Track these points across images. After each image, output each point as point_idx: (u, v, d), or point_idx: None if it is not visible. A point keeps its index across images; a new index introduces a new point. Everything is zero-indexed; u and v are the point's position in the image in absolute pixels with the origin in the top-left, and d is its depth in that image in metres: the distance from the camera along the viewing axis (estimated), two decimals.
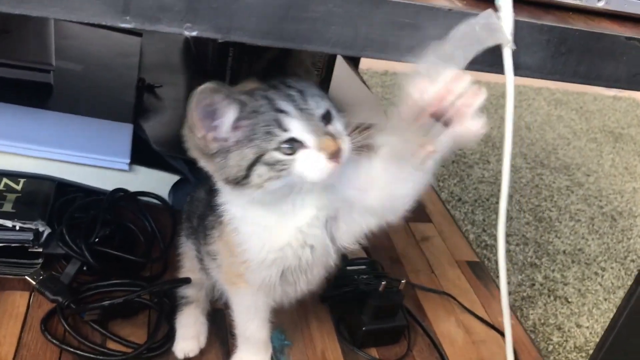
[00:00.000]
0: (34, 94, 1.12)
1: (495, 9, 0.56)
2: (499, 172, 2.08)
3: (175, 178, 1.11)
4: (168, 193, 1.12)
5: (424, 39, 0.56)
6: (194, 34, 0.52)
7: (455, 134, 0.61)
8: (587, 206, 2.02)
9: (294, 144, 0.67)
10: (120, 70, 1.28)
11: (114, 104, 1.16)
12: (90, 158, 1.04)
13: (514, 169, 2.15)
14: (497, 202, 1.91)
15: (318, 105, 0.69)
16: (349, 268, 1.04)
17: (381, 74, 2.66)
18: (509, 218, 1.86)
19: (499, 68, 0.58)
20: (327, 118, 0.70)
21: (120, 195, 1.07)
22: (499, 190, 2.03)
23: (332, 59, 1.42)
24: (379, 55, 0.56)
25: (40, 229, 0.95)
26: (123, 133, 1.09)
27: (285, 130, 0.67)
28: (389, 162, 0.69)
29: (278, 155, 0.67)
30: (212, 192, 0.80)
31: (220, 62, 1.35)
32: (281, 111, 0.68)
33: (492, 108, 2.58)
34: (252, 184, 0.68)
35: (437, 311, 1.10)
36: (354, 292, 0.99)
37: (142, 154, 1.10)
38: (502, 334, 1.08)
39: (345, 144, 0.68)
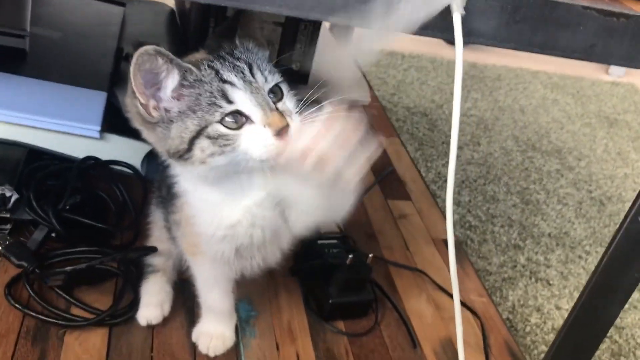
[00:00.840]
0: (7, 59, 1.11)
1: None
2: (489, 154, 2.08)
3: (148, 147, 1.10)
4: (141, 162, 1.11)
5: (375, 1, 0.55)
6: None
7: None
8: (576, 190, 2.01)
9: (238, 118, 0.65)
10: (99, 39, 1.26)
11: (89, 72, 1.15)
12: (61, 124, 1.03)
13: (505, 151, 2.13)
14: (485, 184, 1.91)
15: (267, 80, 0.68)
16: (319, 242, 1.03)
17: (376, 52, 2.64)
18: (496, 200, 1.85)
19: (448, 34, 0.57)
20: (276, 94, 0.68)
21: (92, 163, 1.06)
22: (487, 173, 2.02)
23: (315, 30, 1.40)
24: (327, 18, 0.55)
25: (8, 194, 0.95)
26: (96, 101, 1.09)
27: (230, 102, 0.65)
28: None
29: (221, 129, 0.64)
30: None
31: (201, 33, 1.34)
32: (227, 82, 0.65)
33: (487, 90, 2.56)
34: (194, 158, 0.66)
35: (408, 287, 1.09)
36: (323, 266, 0.99)
37: (116, 122, 1.09)
38: (473, 312, 1.08)
39: (294, 122, 0.66)
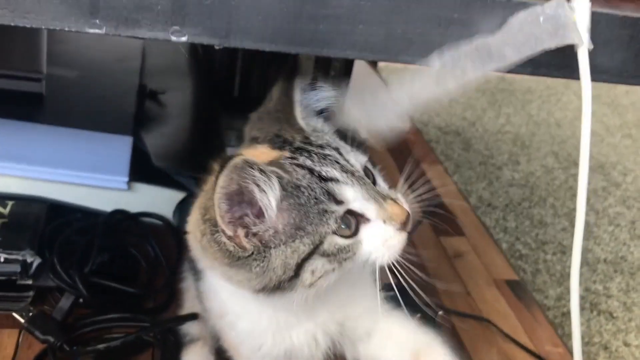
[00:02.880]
0: (23, 106, 1.02)
1: None
2: (530, 173, 1.96)
3: (180, 195, 1.00)
4: (173, 212, 1.01)
5: (474, 37, 0.44)
6: (184, 39, 0.40)
7: None
8: (626, 209, 1.89)
9: (350, 221, 0.52)
10: (119, 76, 1.17)
11: (111, 114, 1.06)
12: (85, 177, 0.94)
13: (546, 169, 2.01)
14: (530, 207, 1.79)
15: (360, 162, 0.56)
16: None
17: (401, 69, 2.54)
18: (544, 224, 1.73)
19: (569, 72, 0.46)
20: (368, 175, 0.56)
21: (119, 217, 0.96)
22: (531, 194, 1.89)
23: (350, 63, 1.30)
24: (420, 61, 0.44)
25: (29, 260, 0.85)
26: (121, 147, 0.99)
27: (339, 202, 0.52)
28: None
29: (340, 241, 0.51)
30: None
31: (229, 65, 1.25)
32: (329, 179, 0.52)
33: (519, 104, 2.45)
34: (301, 284, 0.52)
35: (476, 341, 0.98)
36: None
37: (143, 169, 0.99)
38: None
39: (407, 204, 0.55)
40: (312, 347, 0.62)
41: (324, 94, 0.59)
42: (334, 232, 0.51)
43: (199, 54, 1.39)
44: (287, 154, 0.54)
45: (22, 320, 0.84)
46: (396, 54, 0.43)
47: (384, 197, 0.53)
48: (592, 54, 0.45)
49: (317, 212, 0.50)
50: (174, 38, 0.40)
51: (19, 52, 1.05)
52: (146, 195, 0.98)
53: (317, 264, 0.51)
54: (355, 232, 0.52)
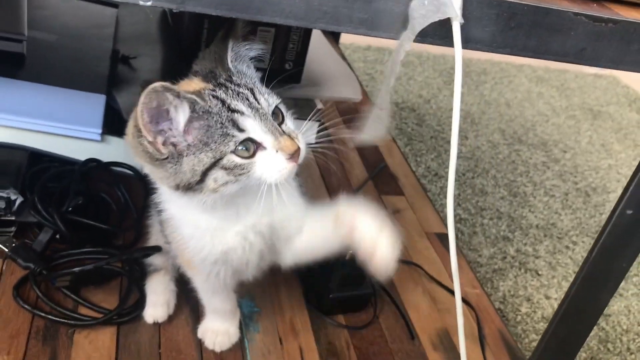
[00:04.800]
0: (6, 64, 1.12)
1: None
2: (476, 147, 2.12)
3: None
4: None
5: (376, 12, 0.57)
6: (149, 4, 0.53)
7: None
8: (562, 182, 2.06)
9: (250, 146, 0.66)
10: (95, 41, 1.28)
11: (87, 75, 1.17)
12: (63, 128, 1.05)
13: (492, 144, 2.17)
14: (473, 177, 1.95)
15: (269, 103, 0.69)
16: None
17: (364, 48, 2.67)
18: (484, 193, 1.89)
19: (449, 41, 0.59)
20: (277, 116, 0.70)
21: (93, 165, 1.08)
22: (475, 166, 2.05)
23: (307, 30, 1.42)
24: (332, 27, 0.58)
25: (12, 197, 0.96)
26: (95, 103, 1.10)
27: (241, 130, 0.65)
28: (325, 228, 0.77)
29: (236, 159, 0.65)
30: None
31: (196, 34, 1.36)
32: (235, 111, 0.66)
33: (473, 85, 2.60)
34: (206, 188, 0.66)
35: (404, 281, 1.12)
36: (322, 262, 1.02)
37: (115, 124, 1.11)
38: (468, 304, 1.12)
39: (302, 143, 0.69)
40: (246, 247, 0.76)
41: (255, 46, 0.73)
42: (232, 152, 0.65)
43: (169, 23, 1.50)
44: (210, 86, 0.68)
45: (5, 250, 0.95)
46: (313, 21, 0.56)
47: (281, 133, 0.67)
48: (467, 28, 0.59)
49: (221, 134, 0.65)
50: (141, 2, 0.53)
51: (3, 16, 1.15)
52: (117, 147, 1.10)
53: (218, 174, 0.66)
54: (252, 156, 0.66)
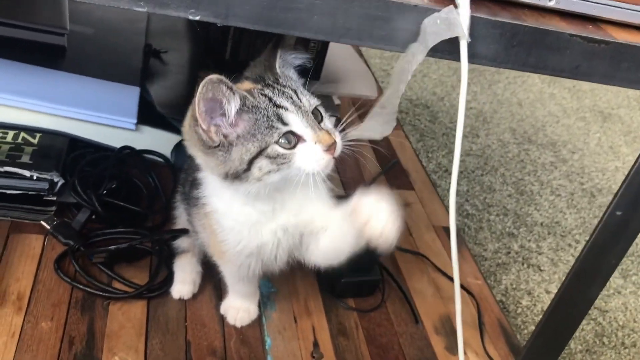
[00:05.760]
0: (49, 56, 1.21)
1: (455, 6, 0.65)
2: (487, 146, 2.19)
3: (177, 138, 1.21)
4: (170, 152, 1.22)
5: (393, 30, 0.65)
6: (197, 18, 0.61)
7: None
8: (568, 182, 2.12)
9: (291, 138, 0.73)
10: (129, 35, 1.36)
11: (122, 68, 1.25)
12: (100, 117, 1.14)
13: (502, 143, 2.24)
14: (482, 175, 2.02)
15: (310, 103, 0.78)
16: None
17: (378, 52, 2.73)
18: (492, 190, 1.96)
19: (456, 56, 0.67)
20: (316, 116, 0.78)
21: (127, 152, 1.17)
22: (484, 164, 2.12)
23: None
24: (356, 42, 0.65)
25: (55, 180, 1.05)
26: (131, 95, 1.19)
27: (285, 124, 0.73)
28: (342, 226, 0.82)
29: (279, 149, 0.73)
30: None
31: (223, 31, 1.44)
32: (280, 107, 0.74)
33: (486, 83, 2.66)
34: (251, 177, 0.74)
35: (411, 270, 1.21)
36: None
37: (148, 114, 1.19)
38: (470, 293, 1.20)
39: (338, 138, 0.77)
40: (275, 243, 0.85)
41: (300, 55, 0.82)
42: (276, 143, 0.73)
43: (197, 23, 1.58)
44: (259, 87, 0.77)
45: (48, 227, 1.05)
46: (338, 37, 0.64)
47: (320, 128, 0.75)
48: (473, 45, 0.66)
49: (267, 126, 0.73)
50: (191, 17, 0.61)
51: (47, 11, 1.24)
52: (150, 137, 1.19)
53: (263, 163, 0.73)
54: (293, 147, 0.74)
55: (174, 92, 1.26)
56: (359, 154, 0.81)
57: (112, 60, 1.28)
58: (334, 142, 0.75)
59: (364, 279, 1.10)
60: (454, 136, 2.17)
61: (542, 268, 1.70)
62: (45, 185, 1.05)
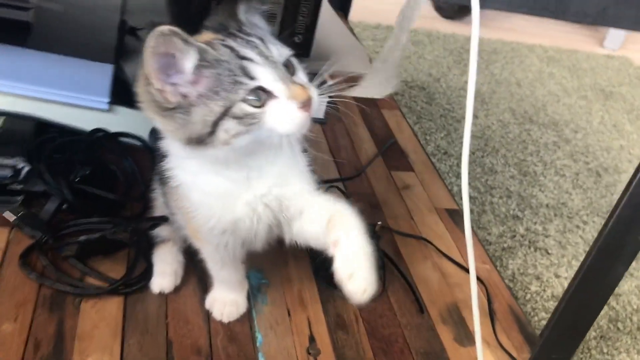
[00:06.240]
0: (13, 32, 1.11)
1: None
2: (487, 127, 2.09)
3: None
4: (149, 134, 1.12)
5: None
6: None
7: None
8: (573, 162, 2.03)
9: (261, 95, 0.64)
10: (102, 12, 1.26)
11: (94, 45, 1.16)
12: (70, 97, 1.04)
13: (502, 124, 2.15)
14: (483, 156, 1.93)
15: (280, 53, 0.67)
16: None
17: (373, 27, 2.64)
18: (494, 172, 1.87)
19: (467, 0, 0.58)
20: (289, 67, 0.68)
21: (100, 135, 1.07)
22: (485, 145, 2.02)
23: (317, 4, 1.41)
24: None
25: (19, 166, 0.96)
26: (103, 73, 1.09)
27: (252, 78, 0.64)
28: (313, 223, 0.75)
29: (247, 108, 0.63)
30: None
31: (204, 6, 1.34)
32: (245, 58, 0.64)
33: (483, 64, 2.57)
34: (218, 141, 0.64)
35: (414, 255, 1.11)
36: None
37: (123, 94, 1.09)
38: (478, 278, 1.10)
39: (314, 93, 0.67)
40: (254, 219, 0.75)
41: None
42: (243, 100, 0.63)
43: None
44: (220, 37, 0.66)
45: (13, 218, 0.95)
46: None
47: (293, 82, 0.65)
48: None
49: (231, 82, 0.63)
50: None
51: None
52: (125, 118, 1.09)
53: (229, 124, 0.64)
54: (263, 104, 0.64)
55: None
56: (344, 115, 0.71)
57: (83, 37, 1.18)
58: (309, 98, 0.65)
59: None
60: (452, 118, 2.07)
61: (549, 251, 1.61)
62: (9, 172, 0.95)
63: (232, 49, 0.65)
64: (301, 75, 0.69)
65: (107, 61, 1.13)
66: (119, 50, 1.18)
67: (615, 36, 3.15)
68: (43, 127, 1.05)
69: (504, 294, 1.09)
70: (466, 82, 2.35)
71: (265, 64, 0.65)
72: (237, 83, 0.63)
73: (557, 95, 2.46)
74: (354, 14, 2.17)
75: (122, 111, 1.09)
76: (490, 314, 1.03)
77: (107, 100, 1.05)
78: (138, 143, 1.10)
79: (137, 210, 1.04)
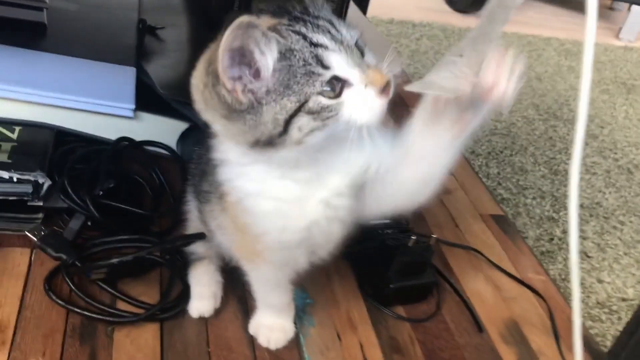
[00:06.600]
0: (27, 34, 1.03)
1: None
2: (512, 124, 2.02)
3: (183, 126, 1.03)
4: (176, 142, 1.04)
5: None
6: None
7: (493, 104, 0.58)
8: (602, 159, 1.96)
9: (334, 84, 0.56)
10: (119, 10, 1.18)
11: (113, 46, 1.07)
12: (92, 104, 0.95)
13: (527, 120, 2.07)
14: (511, 155, 1.85)
15: (351, 35, 0.59)
16: (372, 222, 0.97)
17: (387, 22, 2.56)
18: (524, 171, 1.79)
19: None
20: (359, 49, 0.60)
21: (125, 144, 0.99)
22: (512, 143, 1.95)
23: (345, 2, 1.33)
24: None
25: (40, 181, 0.87)
26: (126, 77, 1.01)
27: (326, 67, 0.56)
28: (425, 132, 0.62)
29: (323, 100, 0.56)
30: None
31: (226, 3, 1.26)
32: (318, 45, 0.56)
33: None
34: (290, 140, 0.57)
35: (464, 267, 1.03)
36: (381, 248, 0.92)
37: (147, 99, 1.01)
38: (533, 290, 1.02)
39: (391, 75, 0.59)
40: (330, 216, 0.66)
41: None
42: (319, 93, 0.56)
43: None
44: (285, 21, 0.58)
45: (34, 239, 0.86)
46: None
47: (368, 66, 0.58)
48: None
49: (305, 73, 0.55)
50: None
51: None
52: (151, 125, 1.01)
53: (303, 121, 0.56)
54: (339, 95, 0.57)
55: (175, 71, 1.08)
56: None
57: (101, 38, 1.09)
58: (389, 81, 0.58)
59: (416, 283, 0.93)
60: None
61: (589, 254, 1.53)
62: (29, 189, 0.87)
63: (303, 35, 0.57)
64: (370, 57, 0.61)
65: (128, 63, 1.04)
66: (140, 51, 1.09)
67: (631, 27, 3.07)
68: (62, 138, 0.96)
69: (564, 309, 1.01)
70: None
71: (340, 49, 0.57)
72: (311, 74, 0.56)
73: (578, 89, 2.38)
74: (367, 9, 2.09)
75: (148, 118, 1.01)
76: (555, 331, 0.95)
77: (132, 106, 0.97)
78: (166, 152, 1.02)
79: (167, 225, 0.96)
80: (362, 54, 0.60)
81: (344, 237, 0.73)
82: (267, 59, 0.55)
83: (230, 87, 0.55)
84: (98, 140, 0.97)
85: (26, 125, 0.93)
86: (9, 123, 0.93)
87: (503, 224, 1.16)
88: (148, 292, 0.85)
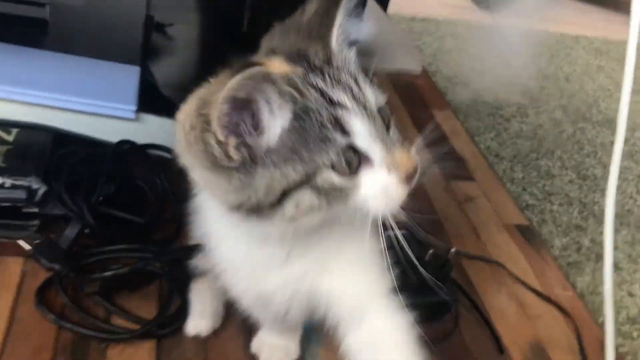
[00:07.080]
0: (28, 31, 0.98)
1: None
2: (538, 126, 1.93)
3: None
4: None
5: None
6: None
7: None
8: (634, 163, 1.87)
9: (351, 157, 0.47)
10: (125, 6, 1.13)
11: (118, 44, 1.03)
12: (92, 105, 0.91)
13: (554, 122, 1.99)
14: (537, 159, 1.77)
15: (376, 99, 0.50)
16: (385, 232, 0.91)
17: (409, 19, 2.48)
18: (551, 176, 1.71)
19: None
20: (383, 118, 0.50)
21: (127, 147, 0.94)
22: (538, 146, 1.86)
23: None
24: None
25: (35, 187, 0.83)
26: (129, 76, 0.96)
27: (345, 132, 0.47)
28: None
29: (335, 178, 0.47)
30: None
31: (238, 1, 1.20)
32: (338, 105, 0.47)
33: (529, 57, 2.41)
34: (282, 215, 0.48)
35: (486, 282, 0.97)
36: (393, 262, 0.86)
37: (152, 100, 0.96)
38: (560, 307, 0.96)
39: (418, 157, 0.50)
40: (286, 295, 0.59)
41: (364, 28, 0.55)
42: (332, 166, 0.47)
43: None
44: (300, 70, 0.49)
45: (28, 247, 0.82)
46: None
47: (394, 143, 0.49)
48: None
49: (319, 138, 0.46)
50: None
51: None
52: (154, 127, 0.96)
53: (305, 197, 0.47)
54: (354, 172, 0.48)
55: (181, 72, 1.03)
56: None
57: (105, 35, 1.04)
58: (416, 168, 0.49)
59: (433, 300, 0.86)
60: (501, 116, 1.91)
61: (619, 266, 1.45)
62: (23, 194, 0.83)
63: (321, 91, 0.48)
64: (394, 131, 0.52)
65: (133, 63, 0.99)
66: (146, 49, 1.04)
67: None
68: (61, 140, 0.92)
69: (592, 327, 0.95)
70: (512, 77, 2.20)
71: (362, 113, 0.48)
72: (327, 140, 0.46)
73: (608, 90, 2.29)
74: (389, 6, 2.03)
75: (151, 120, 0.96)
76: (582, 352, 0.88)
77: (134, 107, 0.92)
78: (169, 156, 0.97)
79: (170, 234, 0.91)
80: (388, 126, 0.51)
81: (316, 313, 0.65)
82: (277, 123, 0.47)
83: (222, 139, 0.46)
84: (98, 143, 0.93)
85: (22, 127, 0.89)
86: (4, 125, 0.89)
87: (528, 235, 1.10)
88: (145, 306, 0.81)
